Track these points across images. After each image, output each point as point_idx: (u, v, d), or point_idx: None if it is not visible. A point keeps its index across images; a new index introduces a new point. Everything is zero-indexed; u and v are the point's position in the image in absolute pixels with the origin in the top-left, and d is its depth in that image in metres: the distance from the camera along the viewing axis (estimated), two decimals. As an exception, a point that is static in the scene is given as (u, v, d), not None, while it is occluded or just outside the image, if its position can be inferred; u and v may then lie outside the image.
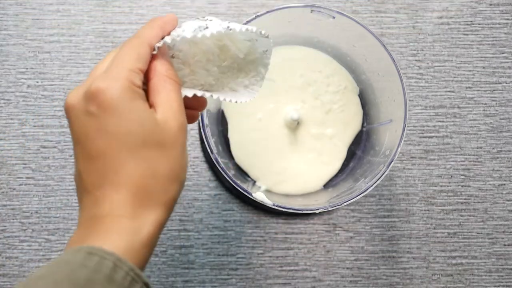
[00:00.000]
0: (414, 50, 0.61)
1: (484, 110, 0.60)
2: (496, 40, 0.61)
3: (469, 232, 0.59)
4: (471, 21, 0.61)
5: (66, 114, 0.33)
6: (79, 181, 0.32)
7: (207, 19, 0.35)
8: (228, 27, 0.35)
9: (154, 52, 0.34)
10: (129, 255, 0.30)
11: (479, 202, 0.59)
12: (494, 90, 0.61)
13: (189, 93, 0.35)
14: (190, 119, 0.37)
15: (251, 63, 0.39)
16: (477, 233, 0.59)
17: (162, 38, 0.34)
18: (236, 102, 0.38)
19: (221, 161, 0.48)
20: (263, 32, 0.36)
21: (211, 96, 0.36)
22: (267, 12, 0.49)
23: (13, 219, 0.58)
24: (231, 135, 0.57)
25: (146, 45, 0.33)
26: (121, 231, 0.30)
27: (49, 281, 0.28)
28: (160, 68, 0.33)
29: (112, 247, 0.29)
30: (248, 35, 0.37)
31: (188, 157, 0.34)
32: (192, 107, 0.38)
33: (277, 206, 0.49)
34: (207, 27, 0.34)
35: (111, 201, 0.31)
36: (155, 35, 0.33)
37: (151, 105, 0.32)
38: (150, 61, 0.33)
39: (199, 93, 0.35)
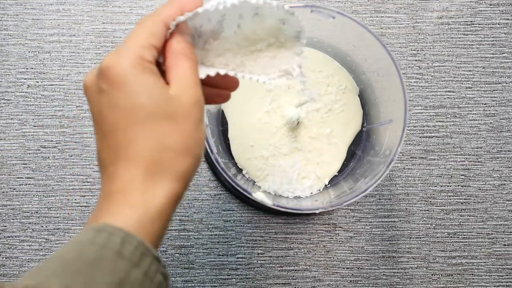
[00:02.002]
0: (414, 50, 0.61)
1: (484, 110, 0.60)
2: (496, 40, 0.61)
3: (469, 232, 0.59)
4: (471, 21, 0.61)
5: (85, 94, 0.33)
6: (98, 159, 0.33)
7: None
8: (244, 0, 0.33)
9: (170, 31, 0.33)
10: (140, 229, 0.30)
11: (479, 202, 0.59)
12: (494, 90, 0.61)
13: (212, 71, 0.35)
14: (221, 99, 0.38)
15: (283, 45, 0.37)
16: (477, 233, 0.59)
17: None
18: (264, 82, 0.37)
19: (221, 161, 0.48)
20: (286, 7, 0.35)
21: (236, 75, 0.35)
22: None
23: (13, 219, 0.58)
24: (231, 135, 0.57)
25: (160, 22, 0.33)
26: (131, 205, 0.30)
27: (60, 261, 0.28)
28: (175, 45, 0.33)
29: (122, 222, 0.29)
30: (275, 13, 0.35)
31: (205, 133, 0.33)
32: (222, 87, 0.38)
33: (277, 206, 0.49)
34: (225, 2, 0.33)
35: (122, 176, 0.31)
36: (171, 14, 0.33)
37: (167, 83, 0.33)
38: (167, 39, 0.33)
39: (222, 71, 0.35)
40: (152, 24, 0.32)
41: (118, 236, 0.29)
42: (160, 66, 0.34)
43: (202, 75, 0.35)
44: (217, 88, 0.38)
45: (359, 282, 0.58)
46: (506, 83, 0.61)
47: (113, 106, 0.31)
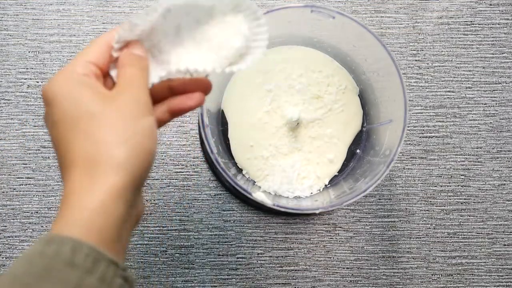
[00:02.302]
0: (414, 50, 0.61)
1: (484, 110, 0.60)
2: (496, 40, 0.61)
3: (469, 232, 0.59)
4: (471, 21, 0.61)
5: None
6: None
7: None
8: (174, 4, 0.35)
9: (117, 47, 0.35)
10: (92, 232, 0.29)
11: (479, 202, 0.59)
12: (494, 90, 0.61)
13: (163, 73, 0.36)
14: (192, 100, 0.37)
15: (229, 23, 0.37)
16: (477, 233, 0.59)
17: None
18: (234, 70, 0.37)
19: (221, 161, 0.48)
20: None
21: (197, 70, 0.35)
22: (267, 12, 0.49)
23: (13, 219, 0.58)
24: (231, 135, 0.57)
25: (99, 43, 0.35)
26: (76, 209, 0.30)
27: (9, 277, 0.28)
28: (122, 58, 0.35)
29: (73, 229, 0.29)
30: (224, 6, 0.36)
31: (153, 126, 0.33)
32: (194, 90, 0.38)
33: (277, 206, 0.49)
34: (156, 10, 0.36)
35: (67, 183, 0.31)
36: (111, 37, 0.36)
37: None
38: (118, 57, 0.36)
39: (173, 68, 0.36)
40: (88, 47, 0.35)
41: (68, 245, 0.28)
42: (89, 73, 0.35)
43: (155, 79, 0.36)
44: (190, 93, 0.38)
45: (359, 282, 0.58)
46: (506, 83, 0.61)
47: (52, 123, 0.33)
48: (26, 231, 0.57)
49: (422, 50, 0.61)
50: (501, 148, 0.60)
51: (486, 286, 0.59)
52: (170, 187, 0.58)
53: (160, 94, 0.37)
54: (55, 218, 0.31)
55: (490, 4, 0.62)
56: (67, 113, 0.32)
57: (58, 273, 0.28)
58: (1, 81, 0.59)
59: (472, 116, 0.60)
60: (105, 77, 0.36)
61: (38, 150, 0.58)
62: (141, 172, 0.32)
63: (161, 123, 0.37)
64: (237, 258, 0.58)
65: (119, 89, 0.34)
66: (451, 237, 0.59)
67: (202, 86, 0.37)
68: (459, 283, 0.58)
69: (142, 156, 0.32)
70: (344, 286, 0.58)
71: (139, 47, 0.36)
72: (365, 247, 0.58)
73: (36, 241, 0.30)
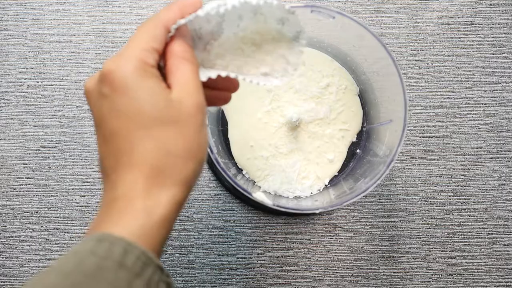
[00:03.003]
0: (414, 50, 0.61)
1: (484, 110, 0.60)
2: (496, 40, 0.61)
3: (469, 232, 0.59)
4: (471, 21, 0.61)
5: (86, 99, 0.33)
6: (100, 166, 0.32)
7: None
8: (245, 1, 0.33)
9: (171, 34, 0.33)
10: (143, 237, 0.29)
11: (479, 202, 0.59)
12: (494, 90, 0.61)
13: (213, 74, 0.34)
14: (222, 101, 0.38)
15: (282, 46, 0.37)
16: (477, 233, 0.59)
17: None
18: (265, 84, 0.37)
19: (221, 161, 0.48)
20: (286, 7, 0.34)
21: (236, 77, 0.35)
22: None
23: (13, 219, 0.58)
24: (231, 135, 0.57)
25: (161, 26, 0.32)
26: (134, 213, 0.30)
27: (58, 273, 0.28)
28: (176, 49, 0.33)
29: (124, 231, 0.29)
30: (275, 13, 0.35)
31: (207, 136, 0.33)
32: (223, 89, 0.38)
33: (277, 206, 0.49)
34: (225, 4, 0.33)
35: (124, 183, 0.30)
36: (172, 17, 0.33)
37: (168, 87, 0.32)
38: (168, 43, 0.33)
39: (223, 74, 0.35)
40: (153, 27, 0.32)
41: (120, 246, 0.28)
42: (161, 70, 0.34)
43: (204, 78, 0.34)
44: (218, 90, 0.37)
45: (359, 282, 0.58)
46: (506, 83, 0.61)
47: (115, 111, 0.31)
48: (26, 231, 0.57)
49: (422, 50, 0.61)
50: (501, 148, 0.60)
51: (486, 286, 0.59)
52: (170, 187, 0.58)
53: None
54: (100, 215, 0.31)
55: (490, 4, 0.62)
56: (141, 110, 0.30)
57: (108, 273, 0.28)
58: (1, 81, 0.59)
59: (472, 116, 0.60)
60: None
61: (38, 150, 0.58)
62: (195, 184, 0.32)
63: None
64: (237, 258, 0.58)
65: (181, 92, 0.32)
66: (451, 237, 0.59)
67: (233, 85, 0.38)
68: (459, 283, 0.58)
69: (200, 170, 0.32)
70: (344, 286, 0.58)
71: (190, 38, 0.34)
72: (365, 247, 0.58)
73: (85, 239, 0.29)
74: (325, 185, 0.57)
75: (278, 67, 0.37)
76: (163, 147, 0.30)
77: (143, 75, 0.31)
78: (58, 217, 0.58)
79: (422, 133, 0.60)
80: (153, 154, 0.30)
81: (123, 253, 0.28)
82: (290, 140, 0.57)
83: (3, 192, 0.58)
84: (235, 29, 0.36)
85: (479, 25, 0.61)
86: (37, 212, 0.58)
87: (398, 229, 0.59)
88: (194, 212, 0.58)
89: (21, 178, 0.58)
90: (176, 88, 0.32)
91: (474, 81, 0.61)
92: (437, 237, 0.59)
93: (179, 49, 0.33)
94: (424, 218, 0.59)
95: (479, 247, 0.59)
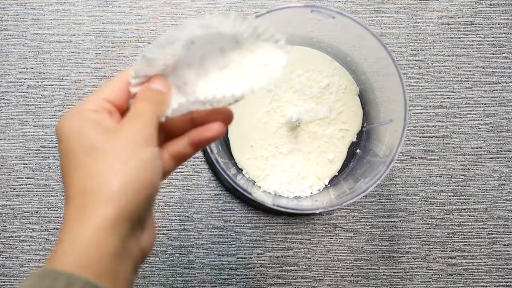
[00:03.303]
0: (414, 50, 0.61)
1: (484, 110, 0.60)
2: (496, 40, 0.61)
3: (469, 232, 0.59)
4: (471, 21, 0.61)
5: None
6: None
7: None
8: (218, 33, 0.35)
9: (133, 89, 0.35)
10: (86, 265, 0.29)
11: (479, 202, 0.59)
12: (494, 90, 0.61)
13: (175, 105, 0.35)
14: (210, 132, 0.36)
15: (264, 55, 0.37)
16: (477, 233, 0.59)
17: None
18: (255, 89, 0.36)
19: (221, 161, 0.48)
20: (254, 23, 0.35)
21: (224, 96, 0.35)
22: (267, 12, 0.49)
23: (13, 219, 0.58)
24: (231, 135, 0.57)
25: (112, 80, 0.35)
26: (70, 241, 0.30)
27: None
28: (140, 92, 0.35)
29: (66, 263, 0.29)
30: (248, 33, 0.36)
31: (149, 153, 0.32)
32: (214, 120, 0.37)
33: (277, 206, 0.49)
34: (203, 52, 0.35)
35: (65, 215, 0.31)
36: (122, 83, 0.36)
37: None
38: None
39: (191, 104, 0.34)
40: (103, 85, 0.36)
41: (62, 280, 0.28)
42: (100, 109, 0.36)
43: (171, 112, 0.35)
44: (210, 122, 0.37)
45: (359, 282, 0.58)
46: (506, 83, 0.61)
47: (60, 158, 0.33)
48: (26, 231, 0.57)
49: (422, 50, 0.61)
50: (501, 148, 0.60)
51: (486, 286, 0.59)
52: (170, 187, 0.58)
53: (182, 127, 0.36)
54: (51, 252, 0.31)
55: (490, 4, 0.62)
56: (70, 147, 0.32)
57: None
58: (1, 81, 0.59)
59: (472, 116, 0.60)
60: (124, 113, 0.35)
61: (38, 150, 0.58)
62: (137, 204, 0.31)
63: (184, 156, 0.36)
64: (237, 258, 0.58)
65: (124, 121, 0.34)
66: (451, 237, 0.59)
67: (223, 116, 0.36)
68: (459, 283, 0.58)
69: (138, 188, 0.31)
70: (344, 286, 0.58)
71: (159, 82, 0.36)
72: (365, 247, 0.58)
73: (30, 275, 0.29)
74: (325, 185, 0.57)
75: (262, 76, 0.37)
76: (87, 170, 0.31)
77: (75, 118, 0.34)
78: (58, 217, 0.58)
79: (422, 133, 0.60)
80: (79, 180, 0.31)
81: (65, 287, 0.28)
82: (290, 140, 0.57)
83: (3, 192, 0.58)
84: (220, 62, 0.36)
85: (479, 25, 0.61)
86: (37, 212, 0.58)
87: (398, 229, 0.59)
88: (194, 212, 0.58)
89: (21, 178, 0.58)
90: (124, 118, 0.34)
91: (474, 81, 0.61)
92: (437, 237, 0.59)
93: (139, 91, 0.35)
94: (424, 218, 0.59)
95: (479, 247, 0.59)
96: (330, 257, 0.58)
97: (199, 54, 0.36)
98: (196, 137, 0.36)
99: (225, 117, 0.36)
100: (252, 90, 0.35)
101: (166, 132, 0.36)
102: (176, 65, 0.36)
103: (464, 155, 0.60)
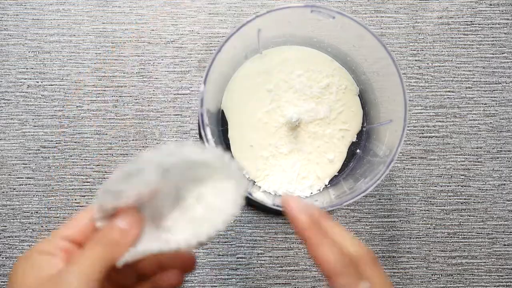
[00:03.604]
0: (414, 50, 0.61)
1: (484, 110, 0.60)
2: (496, 40, 0.61)
3: (469, 232, 0.59)
4: (471, 21, 0.61)
5: None
6: None
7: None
8: (193, 162, 0.34)
9: (99, 223, 0.34)
10: None
11: (479, 202, 0.59)
12: (494, 90, 0.61)
13: (133, 251, 0.33)
14: (169, 284, 0.36)
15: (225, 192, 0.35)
16: (477, 233, 0.59)
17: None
18: (211, 235, 0.34)
19: (221, 161, 0.48)
20: (226, 159, 0.33)
21: (189, 245, 0.33)
22: (267, 12, 0.49)
23: (13, 219, 0.58)
24: (231, 135, 0.57)
25: (76, 217, 0.34)
26: None
27: None
28: (102, 227, 0.34)
29: None
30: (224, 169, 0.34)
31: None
32: (178, 265, 0.37)
33: (277, 206, 0.49)
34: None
35: None
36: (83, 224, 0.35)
37: None
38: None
39: (154, 247, 0.33)
40: (67, 221, 0.35)
41: None
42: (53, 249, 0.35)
43: (128, 256, 0.33)
44: (177, 268, 0.36)
45: (359, 282, 0.58)
46: (506, 83, 0.61)
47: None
48: (26, 231, 0.57)
49: (422, 50, 0.61)
50: (501, 148, 0.60)
51: (486, 286, 0.59)
52: (170, 187, 0.58)
53: (148, 269, 0.36)
54: None
55: (490, 4, 0.62)
56: (11, 286, 0.32)
57: None
58: (1, 81, 0.59)
59: (472, 116, 0.60)
60: None
61: (38, 150, 0.58)
62: None
63: None
64: (237, 258, 0.58)
65: (66, 267, 0.32)
66: (451, 237, 0.59)
67: (186, 262, 0.36)
68: (459, 283, 0.58)
69: None
70: (344, 286, 0.58)
71: (125, 218, 0.33)
72: (365, 247, 0.58)
73: None
74: (325, 185, 0.57)
75: (228, 215, 0.35)
76: None
77: (23, 262, 0.33)
78: (58, 217, 0.58)
79: (422, 133, 0.60)
80: None
81: None
82: (290, 140, 0.57)
83: (3, 192, 0.58)
84: (194, 192, 0.35)
85: (479, 25, 0.61)
86: (37, 212, 0.58)
87: (398, 229, 0.59)
88: (194, 212, 0.58)
89: (21, 178, 0.58)
90: (68, 263, 0.33)
91: (474, 81, 0.61)
92: (437, 237, 0.59)
93: (98, 231, 0.34)
94: (424, 218, 0.59)
95: (479, 247, 0.59)
96: (330, 257, 0.58)
97: (174, 183, 0.34)
98: (155, 285, 0.35)
99: (189, 263, 0.37)
100: (215, 232, 0.34)
101: (139, 272, 0.36)
102: (154, 194, 0.34)
103: (464, 155, 0.60)
